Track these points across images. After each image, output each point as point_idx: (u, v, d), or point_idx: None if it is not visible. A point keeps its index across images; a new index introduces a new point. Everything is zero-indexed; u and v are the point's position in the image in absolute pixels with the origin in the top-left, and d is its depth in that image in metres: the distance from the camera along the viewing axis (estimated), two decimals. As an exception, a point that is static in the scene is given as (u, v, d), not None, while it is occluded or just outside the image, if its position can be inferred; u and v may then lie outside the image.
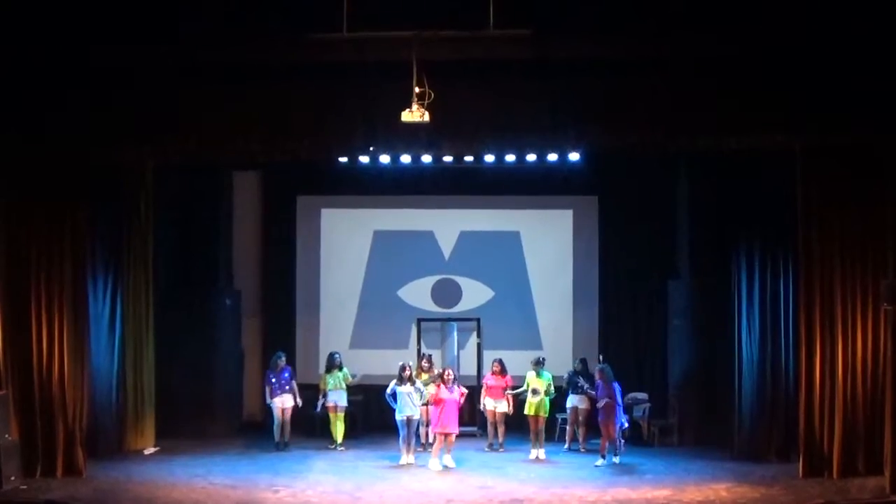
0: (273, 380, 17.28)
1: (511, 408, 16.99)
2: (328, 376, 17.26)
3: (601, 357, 17.03)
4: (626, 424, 16.53)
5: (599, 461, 16.03)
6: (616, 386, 16.16)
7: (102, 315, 16.29)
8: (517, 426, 17.21)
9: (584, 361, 17.42)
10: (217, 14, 12.91)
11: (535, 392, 16.64)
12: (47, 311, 14.81)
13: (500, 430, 17.10)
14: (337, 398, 17.22)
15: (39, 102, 14.28)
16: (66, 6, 12.89)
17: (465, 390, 16.46)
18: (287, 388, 17.27)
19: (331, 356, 17.46)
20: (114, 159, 15.58)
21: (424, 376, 16.99)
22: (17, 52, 13.53)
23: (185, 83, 14.10)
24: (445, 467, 15.68)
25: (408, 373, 16.17)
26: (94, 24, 13.10)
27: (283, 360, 17.41)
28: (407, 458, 16.05)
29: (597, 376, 16.35)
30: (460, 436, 16.38)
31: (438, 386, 16.05)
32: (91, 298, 15.73)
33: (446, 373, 16.20)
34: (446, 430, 15.79)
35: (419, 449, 16.80)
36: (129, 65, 13.79)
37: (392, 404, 16.16)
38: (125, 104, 14.28)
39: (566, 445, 17.17)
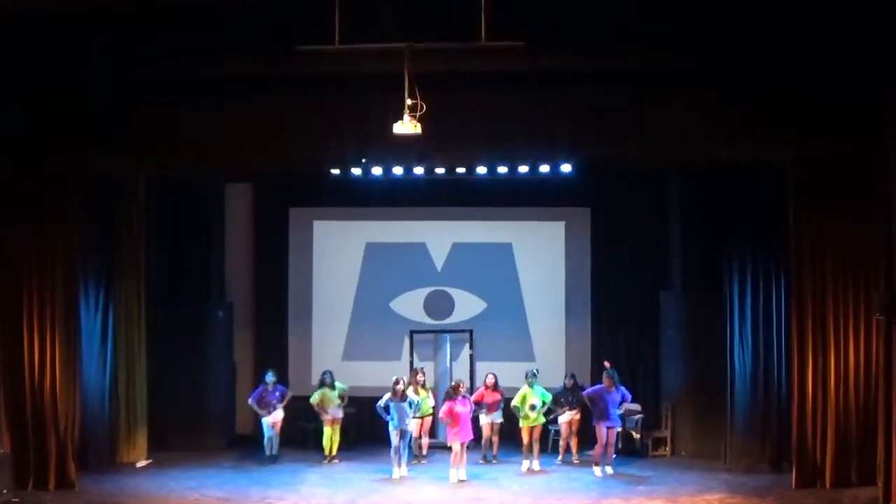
0: (266, 396, 17.29)
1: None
2: (324, 394, 17.21)
3: (608, 364, 16.93)
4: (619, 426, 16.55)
5: (598, 471, 16.04)
6: (622, 389, 16.28)
7: (94, 327, 16.26)
8: (511, 437, 17.18)
9: (573, 377, 17.40)
10: (209, 26, 12.91)
11: (532, 407, 16.60)
12: (39, 323, 14.79)
13: (495, 441, 17.08)
14: (335, 412, 17.21)
15: (31, 114, 14.28)
16: (59, 20, 12.87)
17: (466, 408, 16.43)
18: (280, 405, 17.27)
19: (322, 376, 17.42)
20: (106, 171, 15.58)
21: (422, 391, 16.97)
22: (10, 61, 13.51)
23: (177, 95, 14.12)
24: (460, 481, 15.66)
25: (401, 387, 16.16)
26: (88, 36, 13.08)
27: (272, 378, 17.38)
28: (399, 470, 16.02)
29: (604, 382, 16.33)
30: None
31: (454, 400, 16.01)
32: (83, 310, 15.71)
33: (461, 386, 16.20)
34: (463, 440, 15.80)
35: (414, 462, 16.79)
36: (122, 77, 13.79)
37: (384, 416, 16.15)
38: (117, 116, 14.30)
39: (559, 458, 17.11)
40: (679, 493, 14.79)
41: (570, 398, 17.02)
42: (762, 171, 15.44)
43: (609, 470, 16.06)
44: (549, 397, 16.75)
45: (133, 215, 16.94)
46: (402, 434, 16.06)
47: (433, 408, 17.16)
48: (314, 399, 17.27)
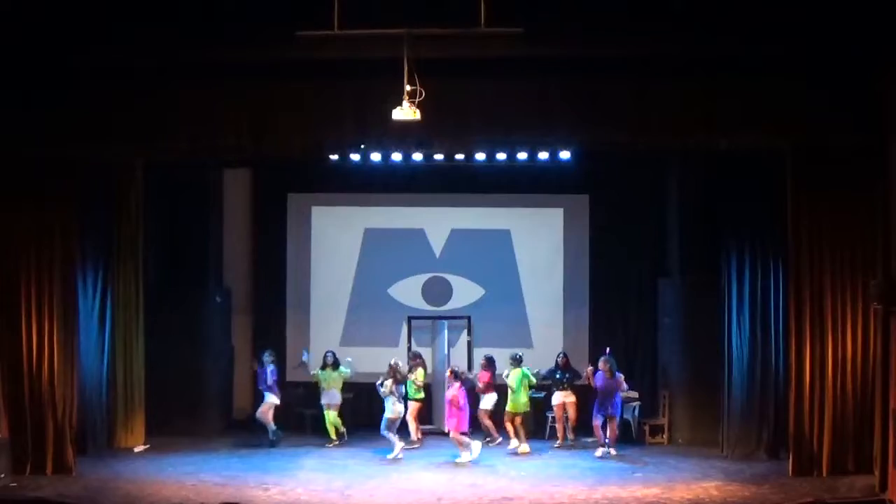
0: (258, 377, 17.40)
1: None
2: (321, 374, 17.23)
3: (607, 350, 16.96)
4: (618, 414, 16.61)
5: (599, 451, 16.16)
6: (619, 377, 16.38)
7: (92, 312, 16.25)
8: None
9: (566, 355, 17.40)
10: (208, 11, 12.88)
11: (512, 390, 16.68)
12: (37, 309, 14.79)
13: (488, 424, 17.06)
14: (330, 397, 17.22)
15: (29, 100, 14.23)
16: (56, 6, 12.84)
17: (454, 393, 16.38)
18: (265, 385, 17.29)
19: (324, 356, 17.44)
20: (104, 157, 15.57)
21: (419, 371, 17.02)
22: (5, 49, 13.48)
23: (175, 81, 14.08)
24: (457, 463, 15.79)
25: (398, 369, 16.29)
26: (86, 23, 13.05)
27: (266, 358, 17.39)
28: (395, 453, 16.14)
29: (601, 366, 16.40)
30: (448, 433, 16.44)
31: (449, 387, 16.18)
32: (81, 296, 15.69)
33: (451, 371, 16.32)
34: (448, 427, 15.97)
35: (416, 444, 16.93)
36: (120, 63, 13.75)
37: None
38: (115, 103, 14.25)
39: (558, 442, 17.10)
40: (676, 480, 14.80)
41: (562, 378, 17.03)
42: (761, 160, 15.43)
43: (612, 451, 16.15)
44: (531, 377, 16.71)
45: (131, 201, 16.93)
46: (395, 418, 16.20)
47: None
48: (315, 376, 17.30)
